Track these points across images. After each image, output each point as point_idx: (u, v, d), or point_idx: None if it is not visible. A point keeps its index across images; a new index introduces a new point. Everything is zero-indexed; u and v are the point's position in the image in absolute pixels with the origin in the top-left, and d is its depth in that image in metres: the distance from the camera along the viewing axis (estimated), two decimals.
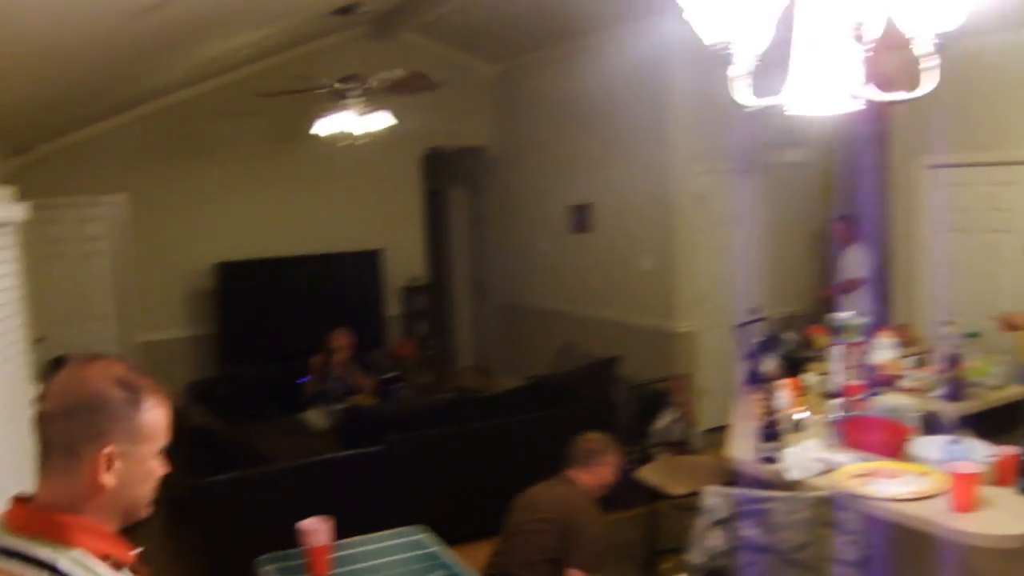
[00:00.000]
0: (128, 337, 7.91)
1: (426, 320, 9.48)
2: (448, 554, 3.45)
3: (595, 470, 3.86)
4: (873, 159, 7.87)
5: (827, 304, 5.48)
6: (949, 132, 6.82)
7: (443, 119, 8.81)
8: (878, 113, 7.11)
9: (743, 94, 2.56)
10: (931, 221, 6.98)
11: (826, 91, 2.41)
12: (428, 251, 9.51)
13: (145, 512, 1.57)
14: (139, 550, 1.56)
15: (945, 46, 2.33)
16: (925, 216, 6.97)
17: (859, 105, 2.47)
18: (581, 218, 8.37)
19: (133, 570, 1.52)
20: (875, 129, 7.46)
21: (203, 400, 6.71)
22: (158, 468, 1.57)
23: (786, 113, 2.63)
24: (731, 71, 2.54)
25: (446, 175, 10.15)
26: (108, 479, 1.47)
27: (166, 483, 1.60)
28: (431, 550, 3.50)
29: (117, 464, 1.48)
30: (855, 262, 7.49)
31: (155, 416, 1.54)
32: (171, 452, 1.59)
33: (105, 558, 1.45)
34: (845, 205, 8.58)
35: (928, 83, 2.42)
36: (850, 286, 7.34)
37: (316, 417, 6.55)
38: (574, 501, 3.76)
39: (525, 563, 3.70)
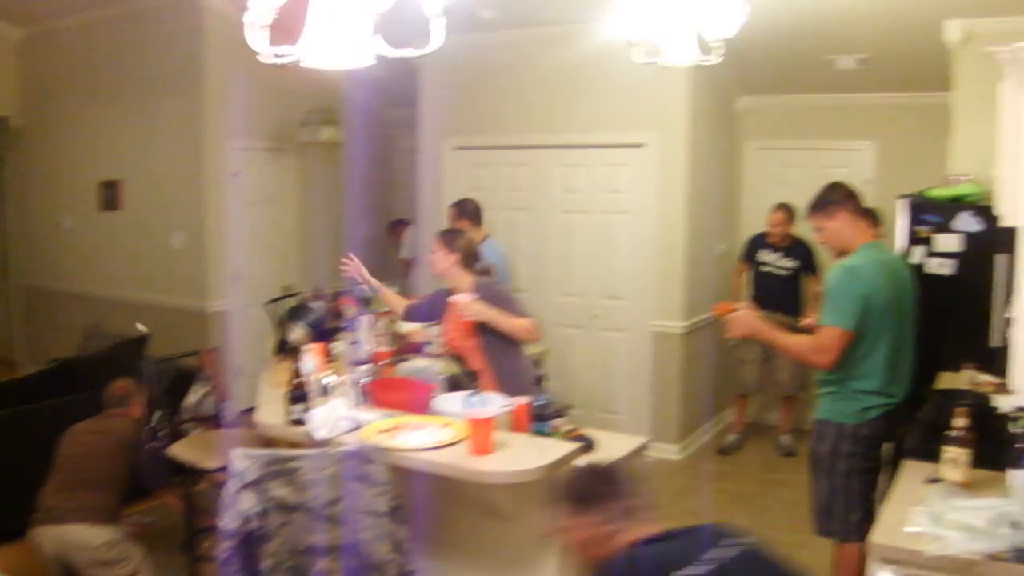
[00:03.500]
0: None
1: None
2: None
3: (130, 409, 4.41)
4: (405, 140, 8.22)
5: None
6: (473, 116, 7.30)
7: None
8: (408, 95, 7.41)
9: (259, 43, 2.53)
10: (453, 199, 7.41)
11: (339, 45, 2.46)
12: None
13: None
14: None
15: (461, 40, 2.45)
16: (448, 195, 7.38)
17: (370, 60, 2.55)
18: (110, 195, 7.90)
19: None
20: (407, 112, 7.77)
21: None
22: None
23: (303, 65, 2.65)
24: (247, 18, 2.51)
25: None
26: None
27: None
28: None
29: None
30: (410, 244, 7.95)
31: None
32: None
33: None
34: (384, 183, 8.89)
35: (434, 43, 2.54)
36: (406, 266, 7.75)
37: None
38: (126, 426, 4.31)
39: (88, 484, 4.03)
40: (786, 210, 6.82)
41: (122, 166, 7.81)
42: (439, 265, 4.44)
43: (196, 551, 4.59)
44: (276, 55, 2.59)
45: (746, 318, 3.94)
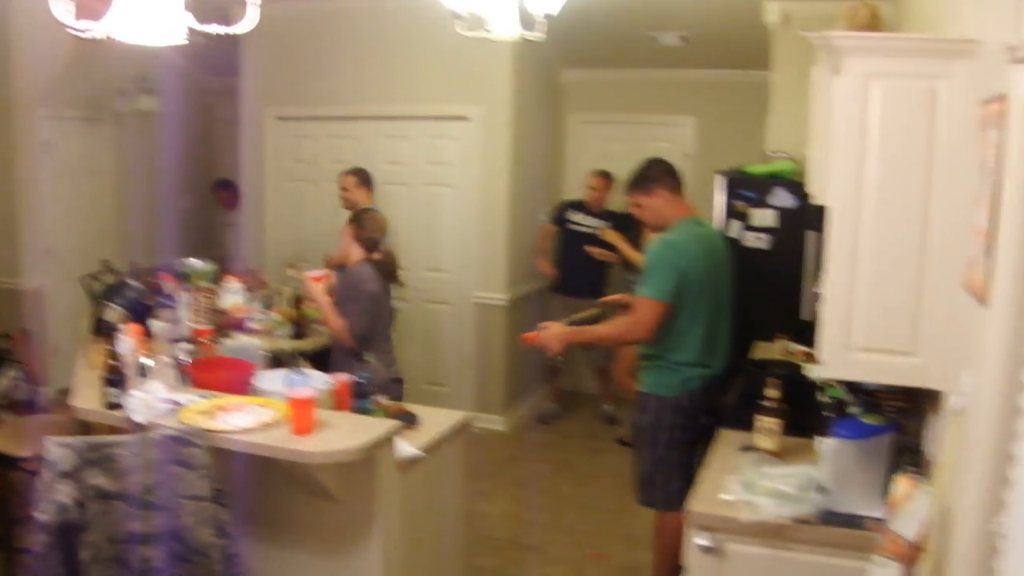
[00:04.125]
0: None
1: None
2: None
3: None
4: (227, 109, 8.02)
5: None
6: (296, 86, 7.20)
7: None
8: (229, 64, 7.25)
9: (63, 16, 2.47)
10: (276, 170, 7.33)
11: (148, 21, 2.42)
12: None
13: None
14: None
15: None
16: (271, 166, 7.28)
17: (180, 37, 2.51)
18: None
19: None
20: (229, 80, 7.60)
21: None
22: None
23: (114, 39, 2.59)
24: None
25: None
26: None
27: None
28: None
29: None
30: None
31: None
32: None
33: None
34: (209, 157, 8.66)
35: (249, 22, 2.53)
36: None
37: None
38: None
39: None
40: (605, 177, 6.97)
41: None
42: (344, 239, 4.71)
43: (11, 543, 4.43)
44: (80, 29, 2.53)
45: (556, 333, 4.03)
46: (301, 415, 3.27)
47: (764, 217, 5.20)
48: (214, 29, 2.50)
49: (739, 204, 5.26)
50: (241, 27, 2.50)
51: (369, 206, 5.50)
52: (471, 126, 6.77)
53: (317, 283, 4.62)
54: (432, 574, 3.92)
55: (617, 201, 6.33)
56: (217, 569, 3.17)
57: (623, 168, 4.85)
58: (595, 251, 6.70)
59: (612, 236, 6.67)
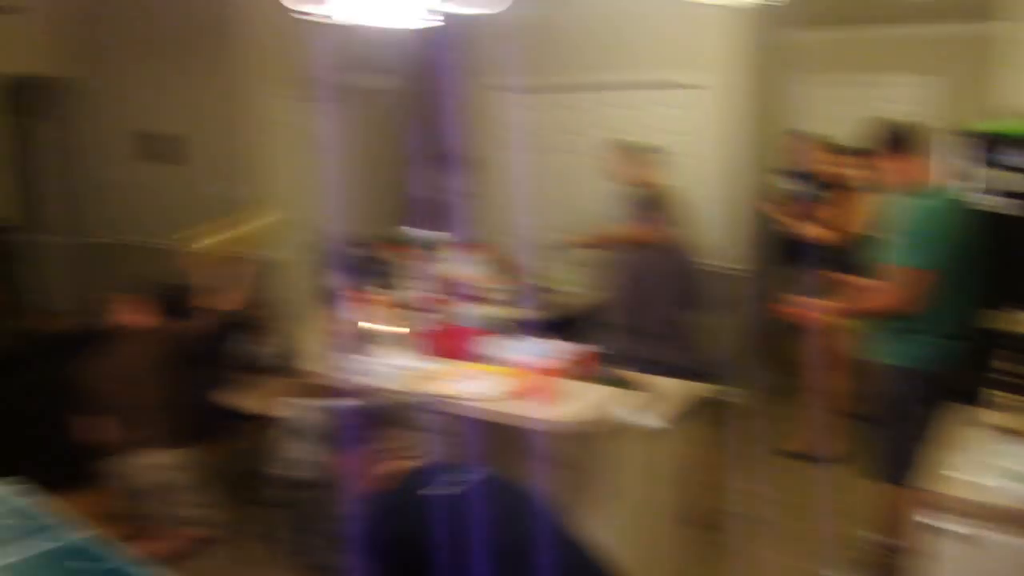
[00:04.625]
0: None
1: (7, 262, 8.63)
2: (41, 503, 3.14)
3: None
4: (452, 84, 8.13)
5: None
6: (523, 58, 7.21)
7: (23, 45, 7.93)
8: (454, 39, 7.34)
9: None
10: (508, 143, 7.37)
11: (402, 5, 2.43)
12: (9, 189, 8.62)
13: None
14: None
15: None
16: (503, 138, 7.33)
17: (437, 20, 2.51)
18: (159, 147, 7.93)
19: None
20: (453, 55, 7.69)
21: None
22: None
23: (362, 26, 2.62)
24: None
25: (31, 108, 9.19)
26: None
27: None
28: (17, 502, 3.16)
29: None
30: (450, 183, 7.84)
31: None
32: None
33: None
34: (432, 131, 8.82)
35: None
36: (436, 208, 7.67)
37: None
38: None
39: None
40: (819, 141, 6.58)
41: (175, 119, 7.82)
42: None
43: (250, 495, 4.66)
44: (310, 12, 2.57)
45: (827, 306, 3.95)
46: (539, 384, 3.26)
47: (1010, 180, 4.81)
48: (466, 8, 2.49)
49: (985, 167, 4.88)
50: (497, 4, 2.48)
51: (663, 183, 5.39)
52: (703, 95, 6.60)
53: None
54: (667, 546, 3.86)
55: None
56: None
57: (840, 132, 4.58)
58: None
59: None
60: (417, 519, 2.25)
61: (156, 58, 7.89)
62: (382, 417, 2.63)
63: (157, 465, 4.12)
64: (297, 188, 7.29)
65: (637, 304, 4.58)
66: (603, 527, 3.42)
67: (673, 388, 3.80)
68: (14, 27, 7.52)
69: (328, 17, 2.61)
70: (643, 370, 3.99)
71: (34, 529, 3.03)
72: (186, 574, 2.75)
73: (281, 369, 5.37)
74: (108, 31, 8.23)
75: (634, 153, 5.64)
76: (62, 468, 4.57)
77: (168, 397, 4.26)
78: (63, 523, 3.04)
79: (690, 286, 4.69)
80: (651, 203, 4.67)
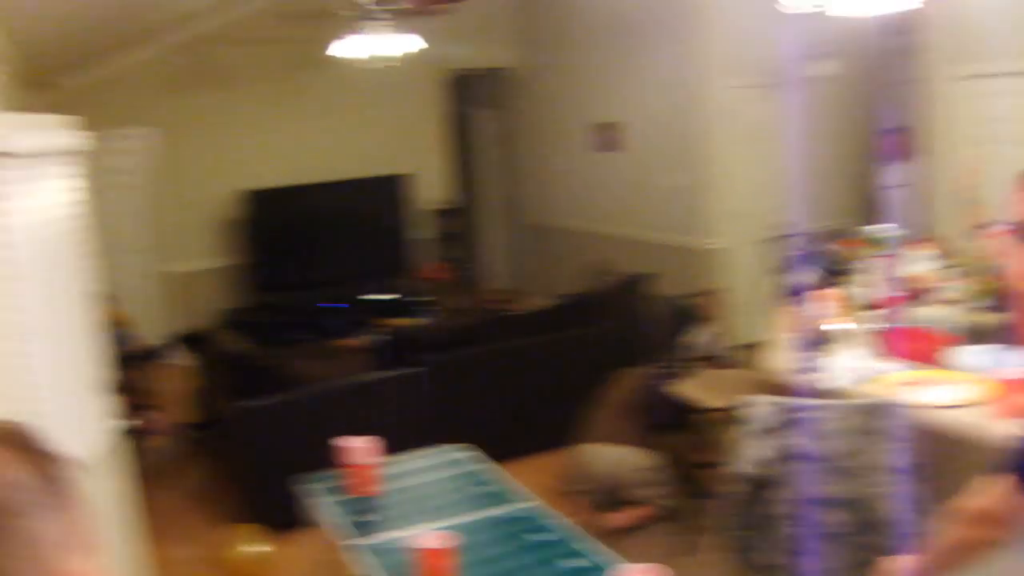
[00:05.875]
0: (161, 268, 7.93)
1: (457, 243, 9.47)
2: (492, 471, 3.45)
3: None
4: (904, 70, 7.71)
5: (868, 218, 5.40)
6: (986, 40, 6.65)
7: (467, 40, 8.67)
8: (907, 23, 6.95)
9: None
10: (969, 133, 6.85)
11: None
12: (457, 174, 9.45)
13: None
14: None
15: None
16: (962, 128, 6.83)
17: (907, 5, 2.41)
18: (608, 136, 8.26)
19: None
20: (906, 40, 7.30)
21: (236, 328, 6.74)
22: None
23: (828, 14, 2.57)
24: None
25: (473, 98, 10.05)
26: None
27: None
28: (472, 467, 3.50)
29: None
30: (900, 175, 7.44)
31: None
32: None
33: None
34: (882, 118, 8.43)
35: None
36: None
37: None
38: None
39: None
40: None
41: (618, 107, 8.10)
42: None
43: (698, 486, 4.74)
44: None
45: None
46: (1012, 397, 3.02)
47: None
48: None
49: None
50: None
51: None
52: None
53: None
54: None
55: None
56: (890, 544, 3.08)
57: None
58: None
59: None
60: None
61: (598, 48, 8.18)
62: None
63: (617, 453, 4.37)
64: (748, 178, 7.29)
65: None
66: None
67: None
68: (466, 23, 8.16)
69: (820, 7, 2.57)
70: None
71: (485, 494, 3.28)
72: (629, 550, 2.85)
73: (720, 358, 5.42)
74: (564, 25, 8.69)
75: None
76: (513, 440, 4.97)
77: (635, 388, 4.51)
78: (512, 491, 3.29)
79: None
80: None
